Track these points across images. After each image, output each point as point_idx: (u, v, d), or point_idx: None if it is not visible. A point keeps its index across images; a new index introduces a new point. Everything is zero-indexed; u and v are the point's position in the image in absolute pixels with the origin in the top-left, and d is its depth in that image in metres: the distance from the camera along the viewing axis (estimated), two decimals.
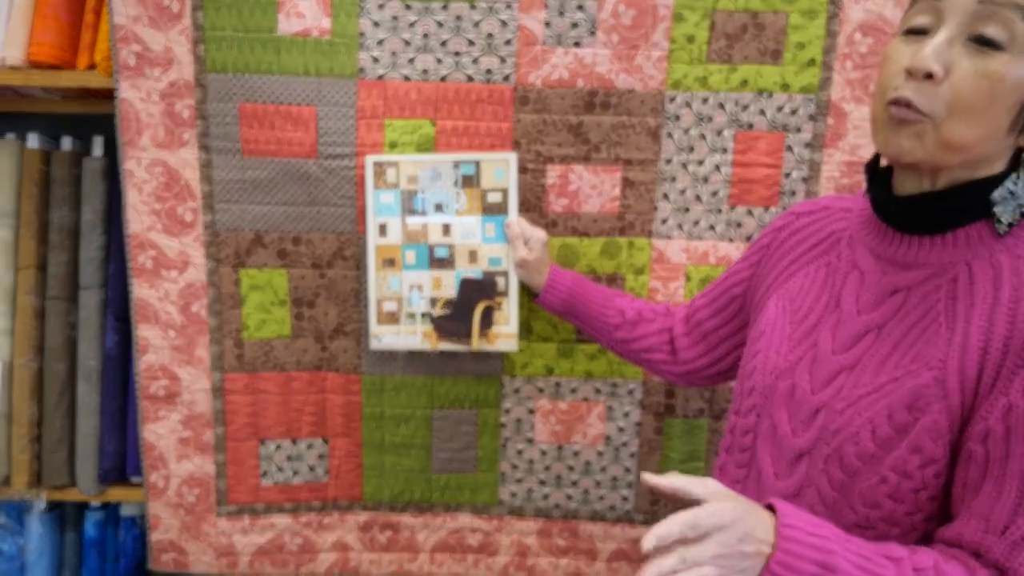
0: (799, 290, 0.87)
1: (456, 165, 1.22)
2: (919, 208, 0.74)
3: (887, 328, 0.75)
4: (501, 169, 1.21)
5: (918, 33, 0.70)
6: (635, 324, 1.14)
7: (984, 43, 0.66)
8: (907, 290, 0.75)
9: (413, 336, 1.26)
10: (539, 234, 1.20)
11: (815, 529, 0.64)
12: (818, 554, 0.62)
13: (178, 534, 1.36)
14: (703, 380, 1.12)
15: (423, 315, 1.25)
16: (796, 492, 0.78)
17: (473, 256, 1.24)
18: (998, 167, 0.71)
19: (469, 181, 1.22)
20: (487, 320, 1.24)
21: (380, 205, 1.24)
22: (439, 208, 1.23)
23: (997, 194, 0.69)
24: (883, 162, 0.79)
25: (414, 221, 1.24)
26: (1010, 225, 0.70)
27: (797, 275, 0.89)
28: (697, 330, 1.09)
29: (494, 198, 1.22)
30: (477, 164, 1.21)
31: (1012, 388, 0.66)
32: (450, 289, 1.24)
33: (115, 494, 1.40)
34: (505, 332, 1.24)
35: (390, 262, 1.25)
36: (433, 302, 1.25)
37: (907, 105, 0.68)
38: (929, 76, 0.67)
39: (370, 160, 1.23)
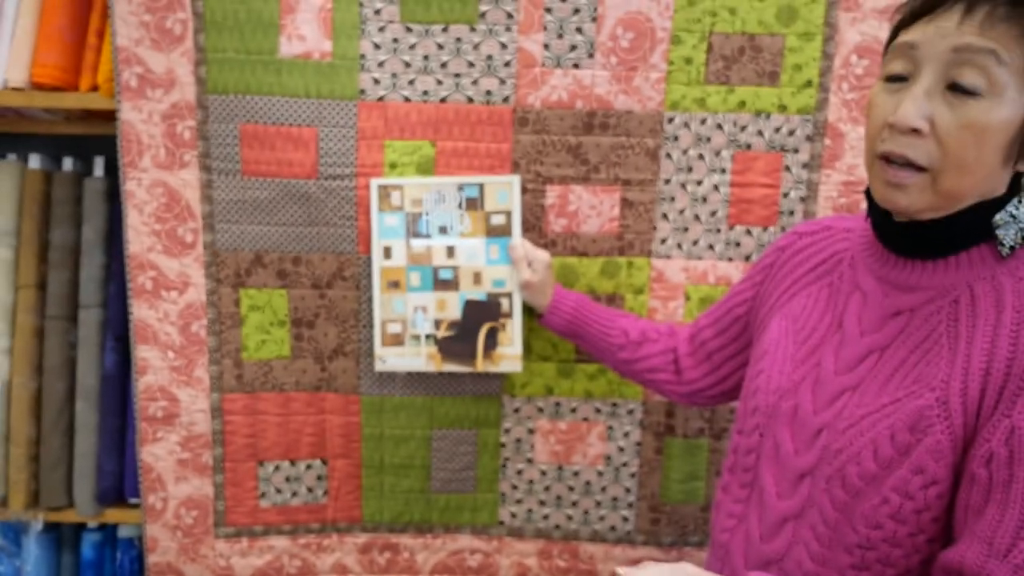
0: (802, 310, 0.87)
1: (460, 188, 1.23)
2: (919, 234, 0.74)
3: (890, 350, 0.75)
4: (504, 191, 1.22)
5: (898, 79, 0.71)
6: (639, 345, 1.14)
7: (961, 91, 0.66)
8: (909, 312, 0.75)
9: (418, 358, 1.26)
10: (543, 255, 1.21)
11: None
12: None
13: (176, 556, 1.35)
14: (707, 400, 1.12)
15: (427, 337, 1.26)
16: (799, 512, 0.78)
17: (477, 278, 1.24)
18: (997, 193, 0.71)
19: (473, 203, 1.23)
20: (491, 341, 1.24)
21: (384, 228, 1.25)
22: (443, 230, 1.24)
23: (999, 218, 0.70)
24: None
25: (418, 243, 1.25)
26: (1012, 248, 0.70)
27: (800, 295, 0.89)
28: (701, 350, 1.09)
29: (498, 220, 1.23)
30: (481, 187, 1.22)
31: (1015, 410, 0.66)
32: (454, 311, 1.25)
33: (113, 515, 1.39)
34: (509, 353, 1.24)
35: (395, 284, 1.26)
36: (437, 324, 1.25)
37: (903, 161, 0.69)
38: (915, 131, 0.68)
39: (375, 183, 1.24)
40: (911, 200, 0.70)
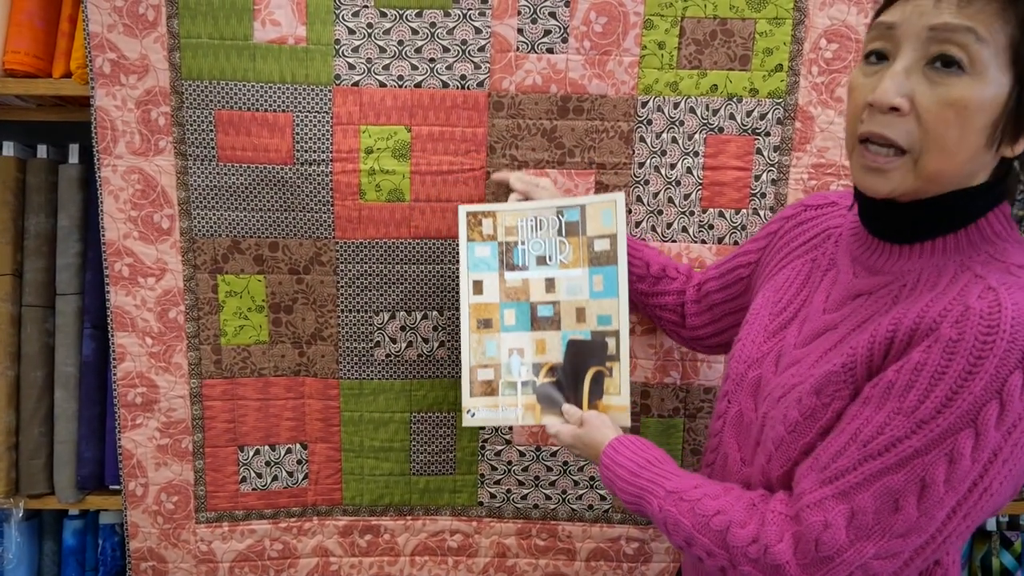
0: (783, 283, 0.90)
1: (559, 212, 1.10)
2: (893, 217, 0.74)
3: (839, 328, 0.78)
4: (609, 211, 1.07)
5: (878, 60, 0.69)
6: (657, 279, 1.15)
7: (947, 64, 0.64)
8: (867, 295, 0.77)
9: (513, 409, 1.11)
10: (544, 182, 1.18)
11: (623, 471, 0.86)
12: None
13: (157, 542, 1.36)
14: (705, 348, 1.16)
15: (524, 383, 1.10)
16: (753, 479, 0.81)
17: (581, 315, 1.09)
18: (980, 179, 0.70)
19: (573, 229, 1.09)
20: (597, 388, 1.06)
21: (475, 260, 1.14)
22: (541, 261, 1.11)
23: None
24: None
25: (513, 277, 1.12)
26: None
27: (785, 268, 0.92)
28: (706, 300, 1.11)
29: (601, 246, 1.08)
30: (582, 209, 1.09)
31: (889, 364, 0.68)
32: (555, 353, 1.09)
33: (93, 502, 1.40)
34: (616, 404, 1.05)
35: (486, 323, 1.13)
36: (536, 369, 1.11)
37: (883, 142, 0.68)
38: (895, 109, 0.66)
39: (463, 210, 1.15)
40: (893, 186, 0.69)
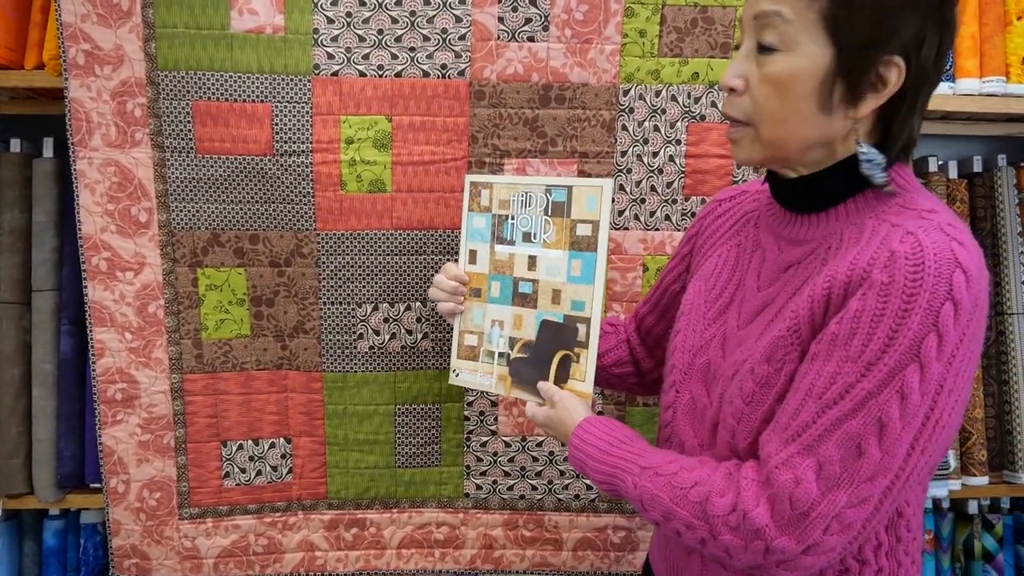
0: (713, 270, 0.92)
1: (548, 190, 1.09)
2: (799, 190, 0.79)
3: (776, 300, 0.80)
4: (593, 197, 1.06)
5: (737, 49, 0.78)
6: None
7: (764, 50, 0.73)
8: (796, 264, 0.80)
9: (488, 376, 1.14)
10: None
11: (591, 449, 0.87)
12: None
13: (140, 539, 1.34)
14: None
15: (501, 355, 1.13)
16: (722, 460, 0.81)
17: (556, 296, 1.09)
18: (847, 142, 0.75)
19: (559, 209, 1.09)
20: (563, 372, 1.07)
21: (472, 229, 1.16)
22: (527, 238, 1.12)
23: (863, 168, 0.73)
24: None
25: (502, 250, 1.13)
26: (888, 183, 0.74)
27: (712, 257, 0.94)
28: (649, 336, 1.11)
29: (583, 231, 1.07)
30: (569, 190, 1.08)
31: (831, 319, 0.71)
32: (530, 330, 1.11)
33: (74, 500, 1.38)
34: (579, 389, 1.05)
35: (477, 292, 1.15)
36: (512, 342, 1.12)
37: (727, 118, 0.78)
38: (732, 90, 0.76)
39: (469, 178, 1.16)
40: (746, 154, 0.78)
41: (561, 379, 1.06)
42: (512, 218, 1.12)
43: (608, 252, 1.12)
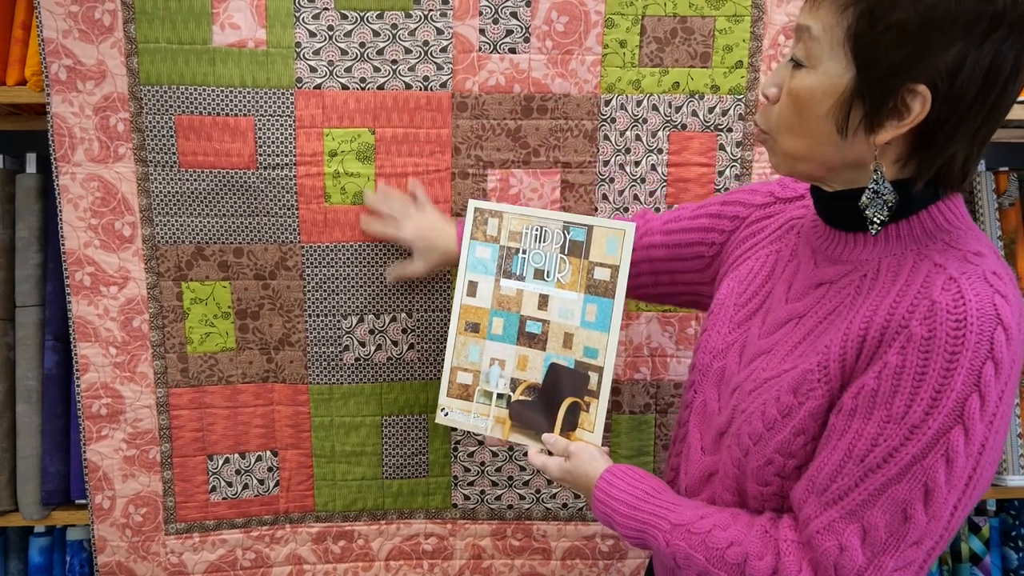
0: (748, 273, 0.90)
1: (566, 227, 1.05)
2: (832, 205, 0.77)
3: (805, 318, 0.78)
4: (615, 240, 1.02)
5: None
6: None
7: (795, 64, 0.72)
8: (829, 284, 0.78)
9: (484, 419, 1.09)
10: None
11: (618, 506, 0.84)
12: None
13: (126, 555, 1.34)
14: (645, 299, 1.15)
15: (500, 396, 1.08)
16: (715, 469, 0.81)
17: (568, 340, 1.04)
18: (866, 162, 0.72)
19: (576, 249, 1.04)
20: (571, 419, 1.02)
21: (474, 260, 1.10)
22: (539, 275, 1.07)
23: (865, 198, 0.71)
24: None
25: (509, 285, 1.08)
26: (883, 223, 0.71)
27: (750, 259, 0.92)
28: (646, 255, 1.07)
29: (601, 275, 1.03)
30: (589, 230, 1.04)
31: (870, 370, 0.68)
32: (536, 372, 1.06)
33: (59, 518, 1.37)
34: (588, 439, 1.01)
35: (474, 327, 1.10)
36: (514, 384, 1.08)
37: (758, 126, 0.78)
38: (767, 98, 0.76)
39: (473, 204, 1.12)
40: (772, 163, 0.79)
41: (568, 426, 1.02)
42: (523, 252, 1.07)
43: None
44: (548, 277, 1.06)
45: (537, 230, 1.07)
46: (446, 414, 1.12)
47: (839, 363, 0.71)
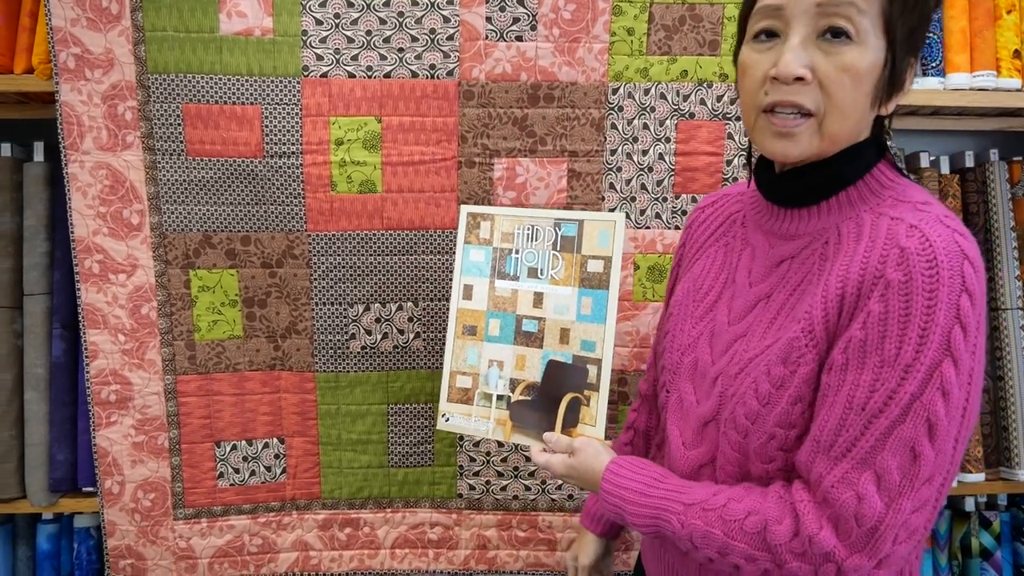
0: (701, 271, 0.92)
1: (557, 224, 1.05)
2: (797, 183, 0.78)
3: (774, 295, 0.80)
4: (606, 232, 1.03)
5: (768, 38, 0.73)
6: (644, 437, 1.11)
7: (836, 35, 0.70)
8: (791, 259, 0.80)
9: (485, 421, 1.08)
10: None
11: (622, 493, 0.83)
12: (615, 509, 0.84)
13: (135, 539, 1.35)
14: None
15: (499, 398, 1.07)
16: (710, 459, 0.81)
17: (564, 336, 1.04)
18: (863, 135, 0.76)
19: (568, 244, 1.05)
20: (572, 416, 1.01)
21: (469, 263, 1.10)
22: (533, 273, 1.07)
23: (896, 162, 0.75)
24: None
25: (503, 286, 1.08)
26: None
27: (700, 259, 0.94)
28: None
29: (594, 267, 1.03)
30: (580, 224, 1.04)
31: (854, 323, 0.70)
32: (534, 371, 1.05)
33: (67, 504, 1.38)
34: (589, 434, 0.99)
35: (471, 330, 1.10)
36: (513, 384, 1.07)
37: (793, 108, 0.72)
38: (799, 79, 0.70)
39: (465, 210, 1.11)
40: (801, 149, 0.73)
41: (570, 423, 1.01)
42: (516, 252, 1.07)
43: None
44: (542, 275, 1.06)
45: (529, 229, 1.07)
46: (447, 420, 1.11)
47: (823, 323, 0.72)
